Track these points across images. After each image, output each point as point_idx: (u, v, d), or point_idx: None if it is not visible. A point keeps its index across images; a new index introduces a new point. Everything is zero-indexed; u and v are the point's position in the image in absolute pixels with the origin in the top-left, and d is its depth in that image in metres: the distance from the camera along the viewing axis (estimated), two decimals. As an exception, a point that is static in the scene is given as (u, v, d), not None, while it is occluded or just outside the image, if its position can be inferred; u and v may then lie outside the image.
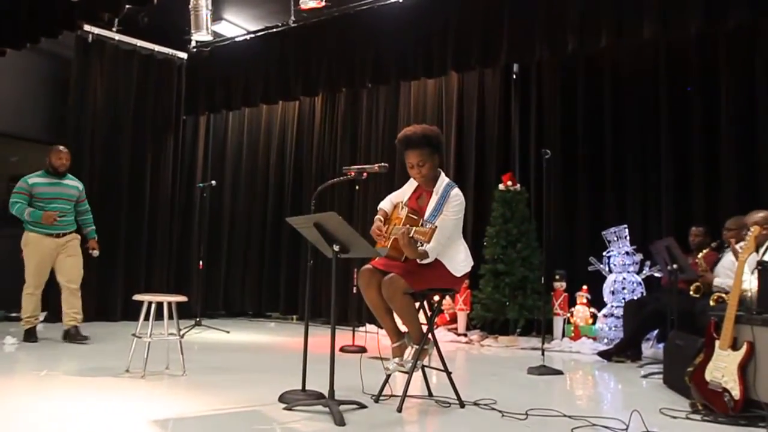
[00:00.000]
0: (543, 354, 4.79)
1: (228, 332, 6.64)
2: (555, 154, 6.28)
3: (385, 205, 3.63)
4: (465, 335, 6.56)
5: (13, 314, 6.75)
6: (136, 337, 4.01)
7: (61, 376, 3.89)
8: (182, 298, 4.11)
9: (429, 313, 3.52)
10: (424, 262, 3.29)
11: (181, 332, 4.22)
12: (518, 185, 6.61)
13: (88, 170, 7.26)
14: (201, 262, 7.25)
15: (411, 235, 3.12)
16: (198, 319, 6.89)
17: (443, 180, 3.43)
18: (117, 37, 7.70)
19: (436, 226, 3.14)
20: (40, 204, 5.31)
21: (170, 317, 4.07)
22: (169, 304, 4.07)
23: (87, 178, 7.18)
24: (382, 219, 3.52)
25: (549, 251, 6.08)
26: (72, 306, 5.34)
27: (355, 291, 6.05)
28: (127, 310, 7.26)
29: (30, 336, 5.32)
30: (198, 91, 8.29)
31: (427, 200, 3.42)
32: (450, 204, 3.32)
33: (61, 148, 5.53)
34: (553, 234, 6.73)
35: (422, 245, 3.21)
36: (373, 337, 5.43)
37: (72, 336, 5.29)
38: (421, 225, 3.24)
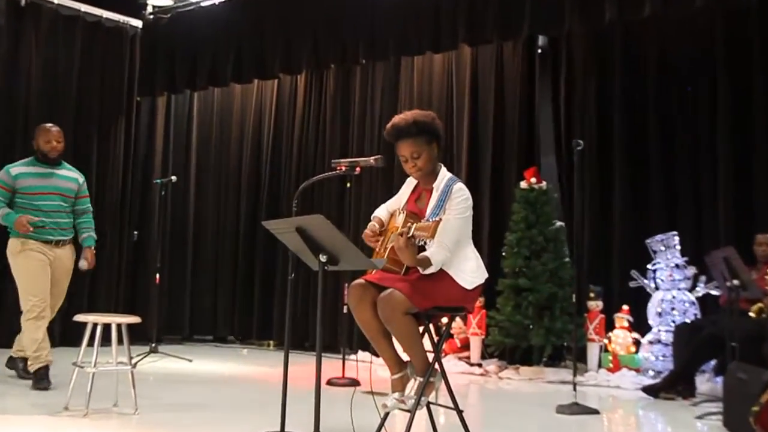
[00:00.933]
0: (575, 389, 4.77)
1: (190, 361, 6.62)
2: (588, 145, 6.26)
3: (381, 213, 3.63)
4: (479, 365, 6.53)
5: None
6: (78, 366, 4.00)
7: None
8: (135, 319, 4.10)
9: (435, 339, 3.49)
10: (428, 271, 3.27)
11: (133, 361, 4.19)
12: (544, 183, 6.60)
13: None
14: (158, 276, 7.21)
15: (411, 234, 3.11)
16: (154, 345, 6.86)
17: (444, 175, 3.45)
18: (56, -1, 7.67)
19: (440, 219, 3.15)
20: (25, 201, 4.89)
21: (120, 342, 4.04)
22: (119, 326, 4.05)
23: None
24: (377, 225, 3.51)
25: (581, 263, 6.03)
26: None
27: (345, 311, 6.01)
28: (66, 334, 7.19)
29: (41, 380, 4.73)
30: (155, 67, 8.27)
31: (428, 200, 3.42)
32: (453, 201, 3.34)
33: (50, 126, 5.10)
34: (587, 242, 6.70)
35: (424, 243, 3.20)
36: (367, 367, 5.39)
37: (19, 369, 4.97)
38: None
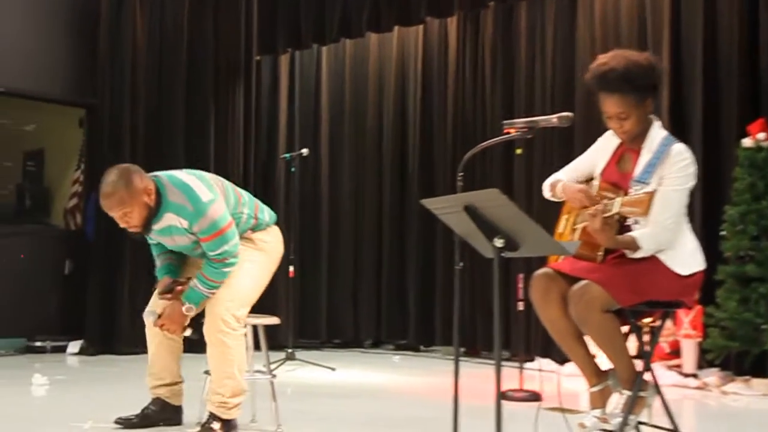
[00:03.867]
0: (829, 407, 4.55)
1: (333, 369, 6.83)
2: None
3: (563, 177, 3.57)
4: (695, 376, 6.36)
5: (38, 343, 7.40)
6: (210, 375, 4.14)
7: (114, 428, 4.13)
8: (273, 320, 4.23)
9: (643, 341, 3.44)
10: (636, 255, 3.22)
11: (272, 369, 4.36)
12: (776, 139, 6.31)
13: (129, 140, 7.75)
14: (291, 268, 7.45)
15: (614, 212, 3.06)
16: (290, 351, 7.10)
17: (659, 132, 3.38)
18: (161, -48, 8.06)
19: (654, 191, 3.09)
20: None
21: (256, 347, 4.20)
22: (255, 328, 4.21)
23: (128, 150, 7.66)
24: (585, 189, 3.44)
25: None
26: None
27: (521, 308, 6.01)
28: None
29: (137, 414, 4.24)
30: (276, 19, 8.51)
31: (633, 163, 3.35)
32: (672, 167, 3.27)
33: (103, 204, 3.95)
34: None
35: (636, 223, 3.15)
36: (552, 377, 5.38)
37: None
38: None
